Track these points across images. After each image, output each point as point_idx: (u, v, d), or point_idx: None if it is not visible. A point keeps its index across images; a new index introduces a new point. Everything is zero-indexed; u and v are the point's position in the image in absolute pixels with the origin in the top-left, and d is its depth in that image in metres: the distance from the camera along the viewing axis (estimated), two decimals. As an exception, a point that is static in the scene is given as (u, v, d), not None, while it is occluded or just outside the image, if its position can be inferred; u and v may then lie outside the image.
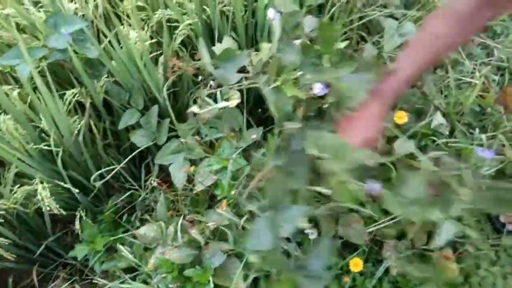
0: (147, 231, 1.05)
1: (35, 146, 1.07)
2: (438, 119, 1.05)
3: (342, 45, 0.93)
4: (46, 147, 1.07)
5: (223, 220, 0.94)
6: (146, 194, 1.26)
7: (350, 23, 1.05)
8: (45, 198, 1.00)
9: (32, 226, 1.19)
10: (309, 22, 0.99)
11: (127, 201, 1.32)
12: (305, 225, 0.77)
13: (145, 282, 1.05)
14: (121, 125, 1.20)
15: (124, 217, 1.29)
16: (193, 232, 0.93)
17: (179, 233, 0.97)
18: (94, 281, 1.14)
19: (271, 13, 0.97)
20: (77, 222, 1.16)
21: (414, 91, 1.11)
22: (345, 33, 1.11)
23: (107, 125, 1.26)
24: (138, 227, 1.17)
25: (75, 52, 1.08)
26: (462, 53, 1.22)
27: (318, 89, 0.90)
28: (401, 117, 0.99)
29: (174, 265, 0.95)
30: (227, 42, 1.07)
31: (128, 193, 1.26)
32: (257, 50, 1.15)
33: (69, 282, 1.17)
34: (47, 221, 1.17)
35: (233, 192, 0.98)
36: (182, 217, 1.00)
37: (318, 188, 0.87)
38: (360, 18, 1.03)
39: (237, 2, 1.12)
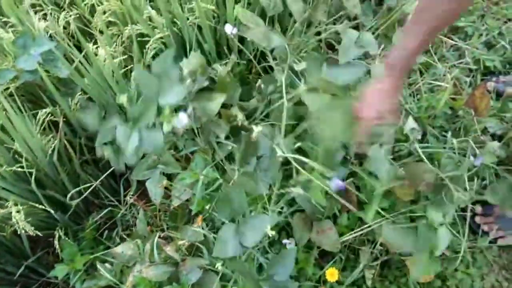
0: (124, 249, 1.05)
1: (8, 168, 1.06)
2: (410, 124, 1.05)
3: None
4: (19, 169, 1.06)
5: (199, 236, 0.94)
6: (126, 210, 1.26)
7: (317, 34, 1.05)
8: (20, 221, 1.00)
9: (11, 247, 1.18)
10: (276, 37, 0.99)
11: (108, 217, 1.32)
12: (272, 233, 0.78)
13: (125, 300, 1.05)
14: (97, 143, 1.19)
15: (105, 234, 1.28)
16: (168, 250, 0.92)
17: (155, 251, 0.96)
18: (75, 300, 1.14)
19: (228, 29, 0.98)
20: (56, 242, 1.16)
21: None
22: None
23: (83, 141, 1.26)
24: (119, 244, 1.17)
25: (47, 72, 1.08)
26: (434, 56, 1.22)
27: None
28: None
29: (151, 283, 0.95)
30: (195, 57, 1.07)
31: (108, 209, 1.26)
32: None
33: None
34: (25, 242, 1.16)
35: (207, 207, 0.98)
36: (158, 235, 1.00)
37: (289, 189, 0.88)
38: (326, 29, 1.04)
39: (204, 15, 1.12)
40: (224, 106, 1.02)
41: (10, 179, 1.08)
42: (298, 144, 0.89)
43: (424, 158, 0.92)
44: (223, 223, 0.88)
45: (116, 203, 1.29)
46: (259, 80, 1.05)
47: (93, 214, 1.30)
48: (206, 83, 0.99)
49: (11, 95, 1.08)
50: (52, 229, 1.19)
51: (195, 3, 1.11)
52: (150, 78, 0.92)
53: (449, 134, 1.04)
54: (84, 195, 1.20)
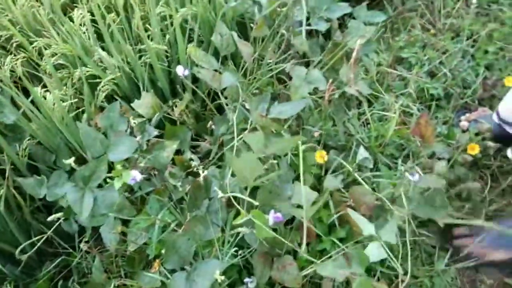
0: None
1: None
2: (362, 154, 1.08)
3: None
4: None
5: (155, 283, 0.91)
6: (81, 257, 1.20)
7: (270, 71, 1.08)
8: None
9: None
10: (227, 77, 1.01)
11: (63, 266, 1.25)
12: (221, 278, 0.76)
13: None
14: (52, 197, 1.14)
15: (60, 283, 1.21)
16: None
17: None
18: None
19: (180, 70, 0.99)
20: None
21: (337, 128, 1.14)
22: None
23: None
24: (75, 293, 1.12)
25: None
26: (381, 88, 1.28)
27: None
28: (322, 156, 1.01)
29: (107, 335, 0.90)
30: (147, 97, 1.06)
31: (61, 258, 1.20)
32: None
33: None
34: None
35: (163, 251, 0.96)
36: (113, 284, 0.96)
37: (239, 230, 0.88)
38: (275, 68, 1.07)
39: (155, 56, 1.12)
40: (178, 151, 1.01)
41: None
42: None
43: (362, 181, 0.94)
44: (174, 270, 0.86)
45: (71, 250, 1.23)
46: (210, 122, 1.05)
47: (46, 264, 1.23)
48: (155, 133, 0.98)
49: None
50: (2, 283, 1.12)
51: (146, 44, 1.12)
52: (96, 134, 0.91)
53: (399, 161, 1.08)
54: (36, 246, 1.14)
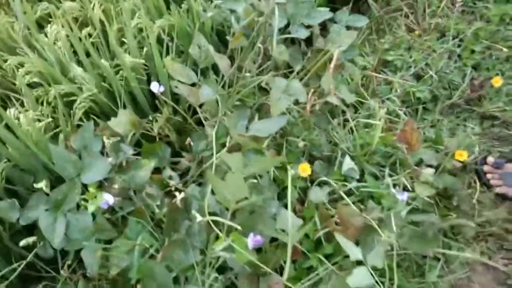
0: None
1: None
2: (347, 164, 1.05)
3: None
4: None
5: (137, 308, 0.88)
6: (65, 280, 1.17)
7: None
8: None
9: None
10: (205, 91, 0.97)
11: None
12: None
13: None
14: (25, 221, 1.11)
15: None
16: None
17: None
18: None
19: (154, 87, 0.95)
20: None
21: (320, 138, 1.11)
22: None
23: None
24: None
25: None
26: (365, 93, 1.25)
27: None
28: (305, 169, 0.98)
29: None
30: (124, 115, 1.03)
31: (44, 283, 1.16)
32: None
33: None
34: None
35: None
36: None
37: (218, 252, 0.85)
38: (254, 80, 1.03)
39: (129, 70, 1.09)
40: (157, 168, 0.98)
41: None
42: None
43: (350, 202, 0.92)
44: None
45: (54, 274, 1.20)
46: (188, 138, 1.02)
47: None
48: (131, 152, 0.95)
49: None
50: (-19, 312, 1.08)
51: (120, 59, 1.08)
52: (69, 156, 0.88)
53: (386, 171, 1.05)
54: (17, 272, 1.10)
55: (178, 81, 1.03)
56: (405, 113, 1.26)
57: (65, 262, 1.20)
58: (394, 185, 0.98)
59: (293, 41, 1.21)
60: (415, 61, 1.35)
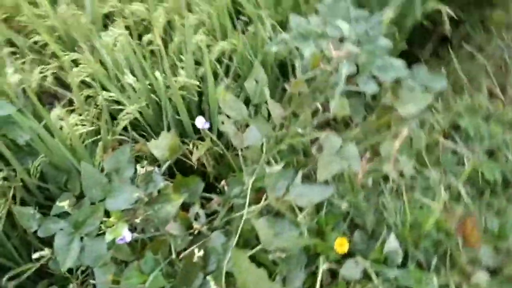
0: None
1: None
2: (392, 244, 0.94)
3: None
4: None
5: None
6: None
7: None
8: None
9: None
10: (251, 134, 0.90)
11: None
12: None
13: None
14: (53, 211, 1.09)
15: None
16: None
17: None
18: None
19: (200, 122, 0.89)
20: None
21: (367, 205, 1.00)
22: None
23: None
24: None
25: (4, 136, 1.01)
26: (427, 159, 1.12)
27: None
28: (343, 244, 0.88)
29: None
30: (166, 138, 0.98)
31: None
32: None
33: None
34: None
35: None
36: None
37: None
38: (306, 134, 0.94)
39: (178, 92, 1.04)
40: (183, 204, 0.92)
41: None
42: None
43: None
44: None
45: (68, 275, 1.18)
46: (223, 181, 0.95)
47: (43, 283, 1.19)
48: (162, 185, 0.90)
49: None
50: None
51: (168, 79, 1.03)
52: (99, 178, 0.83)
53: (433, 261, 0.93)
54: (36, 266, 1.08)
55: (227, 115, 0.96)
56: (467, 193, 1.11)
57: (78, 268, 1.18)
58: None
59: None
60: (491, 135, 1.19)
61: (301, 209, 0.82)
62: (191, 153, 1.10)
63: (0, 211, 1.03)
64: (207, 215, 0.99)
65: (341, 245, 0.87)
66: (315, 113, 0.95)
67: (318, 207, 0.93)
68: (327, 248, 0.92)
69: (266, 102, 1.07)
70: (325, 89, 0.94)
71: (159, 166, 1.00)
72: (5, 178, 1.05)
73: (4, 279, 1.03)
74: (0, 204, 1.04)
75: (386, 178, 1.05)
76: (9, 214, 1.07)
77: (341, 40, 1.00)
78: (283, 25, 1.18)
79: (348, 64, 0.92)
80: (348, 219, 1.00)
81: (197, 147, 1.07)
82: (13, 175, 1.07)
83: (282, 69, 1.18)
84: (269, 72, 1.08)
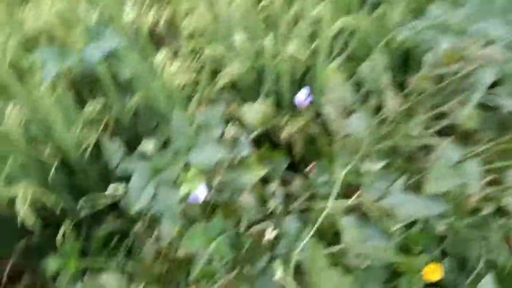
0: (109, 279, 0.94)
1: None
2: (487, 285, 0.80)
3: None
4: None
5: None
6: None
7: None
8: (21, 209, 0.94)
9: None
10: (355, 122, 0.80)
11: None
12: None
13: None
14: (136, 152, 1.10)
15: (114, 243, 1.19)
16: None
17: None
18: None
19: (302, 95, 0.81)
20: (59, 235, 1.09)
21: (472, 235, 0.86)
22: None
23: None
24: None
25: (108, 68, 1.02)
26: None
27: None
28: (435, 271, 0.76)
29: None
30: (260, 107, 0.92)
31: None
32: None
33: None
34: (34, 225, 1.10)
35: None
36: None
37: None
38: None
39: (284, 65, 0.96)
40: (261, 179, 0.86)
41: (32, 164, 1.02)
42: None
43: None
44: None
45: (135, 218, 1.19)
46: (311, 165, 0.87)
47: (111, 219, 1.21)
48: (246, 152, 0.84)
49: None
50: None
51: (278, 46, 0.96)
52: (188, 129, 0.80)
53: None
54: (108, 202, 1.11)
55: (331, 97, 0.87)
56: None
57: (146, 213, 1.19)
58: None
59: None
60: None
61: (393, 220, 0.71)
62: (281, 129, 1.03)
63: (90, 140, 1.05)
64: (287, 196, 0.92)
65: (432, 272, 0.75)
66: (435, 116, 0.82)
67: (411, 222, 0.81)
68: (413, 271, 0.81)
69: (378, 92, 0.96)
70: (454, 92, 0.80)
71: (247, 133, 0.95)
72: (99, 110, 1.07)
73: (79, 205, 1.07)
74: (90, 134, 1.07)
75: (499, 210, 0.90)
76: (95, 146, 1.10)
77: (487, 43, 0.85)
78: (417, 12, 1.04)
79: (491, 70, 0.78)
80: (441, 248, 0.87)
81: (289, 123, 1.00)
82: (108, 108, 1.09)
83: (405, 61, 1.05)
84: (391, 59, 0.96)
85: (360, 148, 0.83)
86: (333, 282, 0.57)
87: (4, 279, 1.11)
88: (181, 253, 0.96)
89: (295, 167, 1.05)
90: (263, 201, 0.88)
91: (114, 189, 0.92)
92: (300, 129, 0.97)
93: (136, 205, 0.81)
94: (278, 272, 0.65)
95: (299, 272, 0.70)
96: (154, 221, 1.14)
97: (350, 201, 0.70)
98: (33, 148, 1.01)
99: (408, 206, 0.67)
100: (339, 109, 0.85)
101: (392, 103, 0.80)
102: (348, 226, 0.63)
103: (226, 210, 0.91)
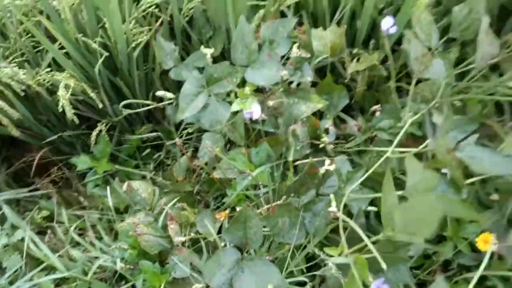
0: (140, 187, 0.92)
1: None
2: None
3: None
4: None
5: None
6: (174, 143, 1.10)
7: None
8: (62, 98, 0.90)
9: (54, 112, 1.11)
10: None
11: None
12: None
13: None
14: (191, 58, 1.01)
15: (148, 151, 1.16)
16: (172, 227, 0.77)
17: (160, 219, 0.83)
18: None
19: (387, 23, 0.71)
20: (94, 134, 1.07)
21: None
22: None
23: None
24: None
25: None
26: None
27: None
28: (487, 240, 0.69)
29: (137, 244, 0.81)
30: (334, 33, 0.82)
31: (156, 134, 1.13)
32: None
33: (57, 186, 1.12)
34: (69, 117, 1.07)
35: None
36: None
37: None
38: None
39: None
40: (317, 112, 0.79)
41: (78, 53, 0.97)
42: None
43: None
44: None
45: (173, 129, 1.14)
46: (375, 106, 0.79)
47: (144, 125, 1.17)
48: (309, 78, 0.76)
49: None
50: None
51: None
52: (250, 41, 0.72)
53: None
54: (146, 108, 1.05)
55: (415, 34, 0.77)
56: None
57: (186, 128, 1.14)
58: None
59: None
60: None
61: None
62: (348, 64, 0.93)
63: (142, 37, 0.98)
64: (337, 137, 0.85)
65: (485, 240, 0.68)
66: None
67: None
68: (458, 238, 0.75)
69: (467, 42, 0.84)
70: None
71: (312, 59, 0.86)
72: (157, 6, 0.99)
73: (121, 105, 1.03)
74: (143, 30, 1.00)
75: None
76: (144, 47, 1.04)
77: None
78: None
79: None
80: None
81: (358, 59, 0.90)
82: (165, 7, 1.01)
83: (503, 11, 0.91)
84: (488, 7, 0.83)
85: (434, 96, 0.74)
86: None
87: (33, 169, 1.12)
88: (216, 174, 0.92)
89: (352, 108, 0.97)
90: (314, 135, 0.81)
91: (163, 94, 0.86)
92: (369, 68, 0.88)
93: (186, 112, 0.76)
94: (333, 204, 0.60)
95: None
96: (190, 140, 1.10)
97: (419, 149, 0.62)
98: (82, 37, 0.96)
99: (484, 161, 0.59)
100: (423, 49, 0.74)
101: (487, 48, 0.69)
102: (413, 171, 0.55)
103: (273, 138, 0.86)
